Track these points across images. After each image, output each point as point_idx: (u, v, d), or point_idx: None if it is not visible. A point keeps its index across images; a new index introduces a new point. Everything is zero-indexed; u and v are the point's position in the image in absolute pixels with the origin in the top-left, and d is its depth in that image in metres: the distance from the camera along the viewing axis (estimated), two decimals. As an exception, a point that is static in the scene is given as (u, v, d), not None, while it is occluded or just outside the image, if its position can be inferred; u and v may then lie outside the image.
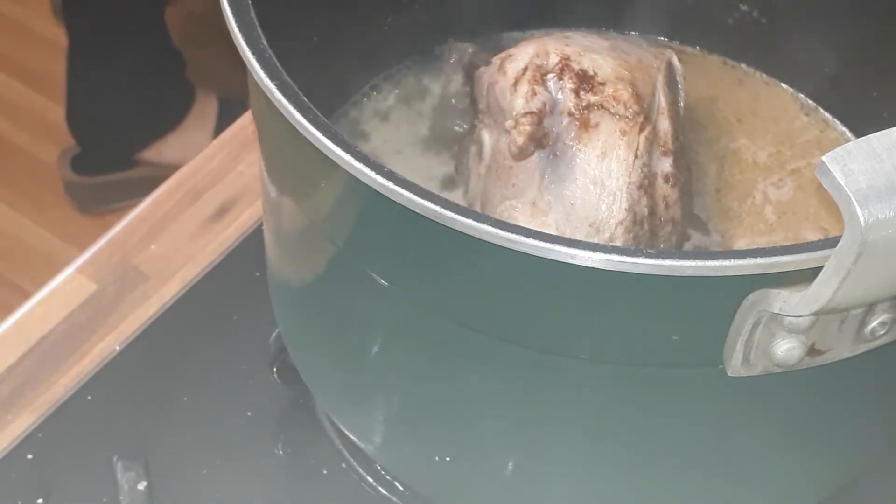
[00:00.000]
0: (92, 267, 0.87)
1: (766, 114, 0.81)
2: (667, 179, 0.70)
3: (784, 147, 0.79)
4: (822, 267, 0.53)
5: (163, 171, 1.18)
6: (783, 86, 0.82)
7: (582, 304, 0.58)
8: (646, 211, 0.69)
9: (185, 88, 1.79)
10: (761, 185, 0.77)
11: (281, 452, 0.79)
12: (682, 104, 0.74)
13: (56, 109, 1.85)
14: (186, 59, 1.79)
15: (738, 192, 0.77)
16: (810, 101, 0.81)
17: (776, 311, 0.55)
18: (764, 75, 0.82)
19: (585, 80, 0.70)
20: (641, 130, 0.69)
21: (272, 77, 0.58)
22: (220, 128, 1.70)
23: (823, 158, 0.50)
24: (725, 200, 0.77)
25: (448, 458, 0.68)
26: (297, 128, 0.57)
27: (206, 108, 1.79)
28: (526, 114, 0.69)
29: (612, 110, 0.69)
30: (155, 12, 1.78)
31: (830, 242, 0.53)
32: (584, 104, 0.69)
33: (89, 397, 0.81)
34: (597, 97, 0.69)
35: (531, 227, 0.58)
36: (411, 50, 0.81)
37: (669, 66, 0.74)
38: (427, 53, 0.81)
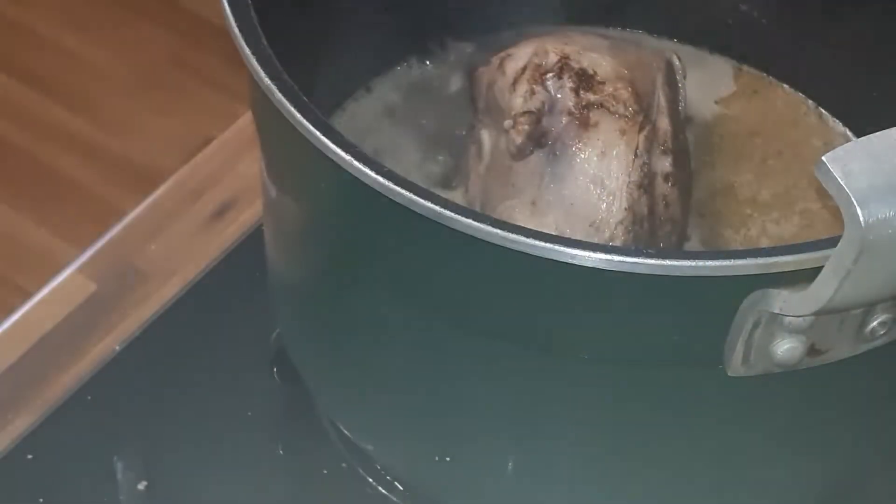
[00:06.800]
0: (92, 267, 0.87)
1: (809, 156, 0.79)
2: (666, 179, 0.70)
3: (794, 189, 0.77)
4: (822, 267, 0.53)
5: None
6: (846, 134, 0.80)
7: (582, 304, 0.58)
8: (645, 210, 0.69)
9: None
10: (759, 219, 0.76)
11: (281, 452, 0.79)
12: (682, 104, 0.74)
13: (56, 109, 1.84)
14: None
15: (731, 223, 0.76)
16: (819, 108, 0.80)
17: (776, 311, 0.55)
18: (825, 113, 0.81)
19: (585, 79, 0.70)
20: (641, 129, 0.69)
21: (272, 77, 0.58)
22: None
23: (823, 158, 0.50)
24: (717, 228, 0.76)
25: (448, 458, 0.68)
26: (297, 128, 0.57)
27: None
28: (524, 113, 0.69)
29: (611, 109, 0.69)
30: None
31: (830, 242, 0.53)
32: (583, 103, 0.69)
33: (89, 397, 0.81)
34: (596, 96, 0.69)
35: (531, 226, 0.58)
36: (410, 49, 0.81)
37: (669, 66, 0.74)
38: (426, 53, 0.81)
